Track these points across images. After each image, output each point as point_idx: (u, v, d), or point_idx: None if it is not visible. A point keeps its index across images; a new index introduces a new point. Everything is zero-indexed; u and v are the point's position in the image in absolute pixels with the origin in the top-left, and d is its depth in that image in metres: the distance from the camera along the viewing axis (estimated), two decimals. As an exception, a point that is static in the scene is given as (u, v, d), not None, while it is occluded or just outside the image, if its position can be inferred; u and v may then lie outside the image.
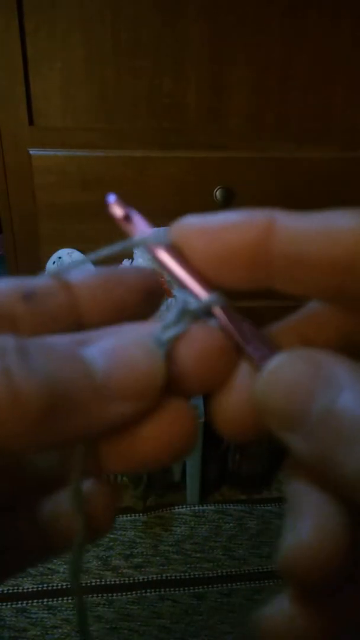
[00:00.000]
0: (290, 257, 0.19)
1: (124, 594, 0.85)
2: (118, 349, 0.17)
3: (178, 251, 0.20)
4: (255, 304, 1.17)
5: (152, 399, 0.17)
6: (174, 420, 0.18)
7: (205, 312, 0.19)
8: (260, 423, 0.18)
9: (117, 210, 0.23)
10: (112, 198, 0.23)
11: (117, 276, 0.21)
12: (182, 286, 0.20)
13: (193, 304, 0.20)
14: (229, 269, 0.19)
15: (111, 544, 0.92)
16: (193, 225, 0.20)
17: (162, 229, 0.21)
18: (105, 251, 0.21)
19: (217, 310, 0.19)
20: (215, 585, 0.86)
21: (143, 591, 0.85)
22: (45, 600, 0.85)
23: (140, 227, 0.23)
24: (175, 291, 0.22)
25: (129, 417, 0.17)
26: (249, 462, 1.07)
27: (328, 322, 0.20)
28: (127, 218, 0.23)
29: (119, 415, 0.17)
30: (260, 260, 0.19)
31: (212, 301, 0.19)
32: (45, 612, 0.83)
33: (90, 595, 0.84)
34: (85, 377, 0.16)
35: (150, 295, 0.21)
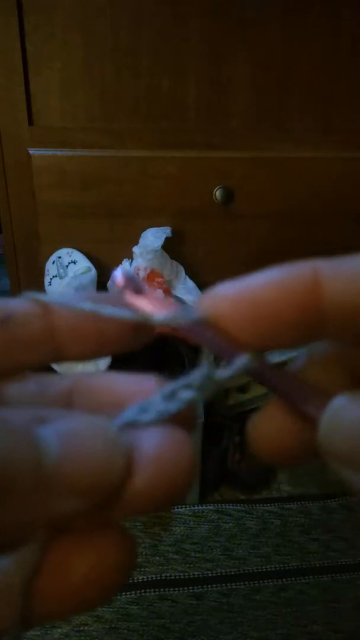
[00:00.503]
0: (344, 309, 0.17)
1: (123, 593, 0.85)
2: (75, 435, 0.15)
3: (210, 324, 0.18)
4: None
5: (103, 497, 0.15)
6: (106, 550, 0.15)
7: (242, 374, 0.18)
8: (303, 451, 0.18)
9: (126, 287, 0.20)
10: (119, 276, 0.19)
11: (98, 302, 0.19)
12: (220, 355, 0.18)
13: (220, 372, 0.18)
14: (274, 335, 0.18)
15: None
16: (228, 295, 0.19)
17: (187, 305, 0.20)
18: (120, 314, 0.18)
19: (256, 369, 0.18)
20: (214, 585, 0.86)
21: (142, 591, 0.85)
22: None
23: (158, 303, 0.19)
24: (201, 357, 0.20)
25: (74, 514, 0.15)
26: (248, 462, 1.07)
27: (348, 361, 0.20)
28: (137, 292, 0.19)
29: (63, 512, 0.15)
30: (310, 318, 0.18)
31: (247, 362, 0.18)
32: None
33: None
34: (35, 462, 0.14)
35: (137, 329, 0.19)
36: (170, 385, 0.17)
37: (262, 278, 0.19)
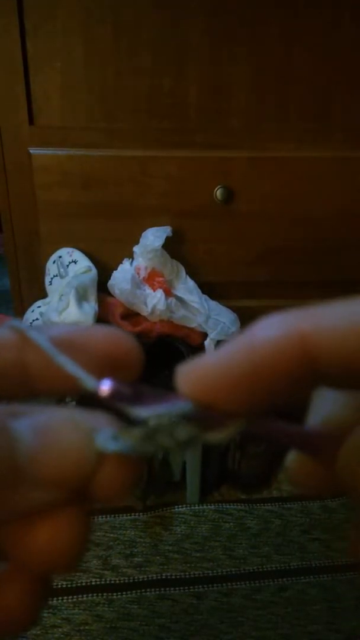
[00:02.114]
0: (337, 364, 0.17)
1: (123, 593, 0.85)
2: (49, 428, 0.15)
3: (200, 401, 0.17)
4: (256, 303, 1.17)
5: (75, 490, 0.16)
6: (61, 530, 0.16)
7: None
8: (335, 484, 0.19)
9: (114, 397, 0.17)
10: (105, 386, 0.17)
11: (77, 340, 0.18)
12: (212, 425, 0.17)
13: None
14: (267, 397, 0.17)
15: (111, 543, 0.92)
16: (209, 370, 0.17)
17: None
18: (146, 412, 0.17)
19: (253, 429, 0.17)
20: (215, 585, 0.86)
21: (143, 590, 0.85)
22: (45, 599, 0.85)
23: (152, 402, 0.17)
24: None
25: (46, 505, 0.16)
26: (249, 462, 1.07)
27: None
28: (131, 398, 0.18)
29: (36, 503, 0.15)
30: (303, 374, 0.17)
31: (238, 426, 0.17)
32: (46, 611, 0.83)
33: (90, 595, 0.84)
34: (8, 453, 0.14)
35: (116, 366, 0.18)
36: (153, 427, 0.16)
37: (239, 347, 0.17)
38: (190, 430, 0.17)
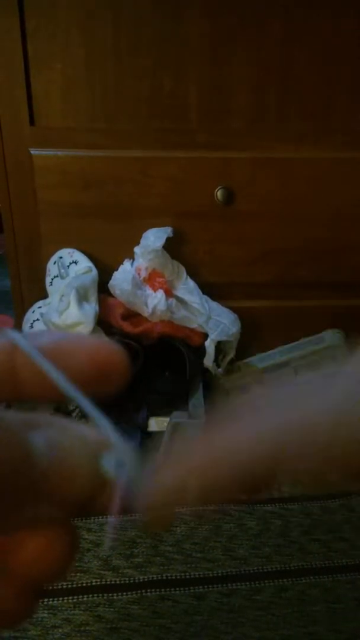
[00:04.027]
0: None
1: (124, 593, 0.85)
2: (62, 445, 0.16)
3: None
4: (256, 304, 1.17)
5: (79, 507, 0.16)
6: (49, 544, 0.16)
7: None
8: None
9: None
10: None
11: (66, 348, 0.19)
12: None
13: None
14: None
15: (111, 544, 0.92)
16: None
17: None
18: None
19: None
20: (215, 586, 0.86)
21: (143, 591, 0.85)
22: (45, 599, 0.85)
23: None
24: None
25: (47, 520, 0.16)
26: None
27: None
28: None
29: (42, 516, 0.16)
30: None
31: None
32: (46, 611, 0.83)
33: (90, 595, 0.84)
34: (27, 467, 0.15)
35: (103, 375, 0.18)
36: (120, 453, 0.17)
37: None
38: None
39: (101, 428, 0.17)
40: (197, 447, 0.19)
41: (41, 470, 0.15)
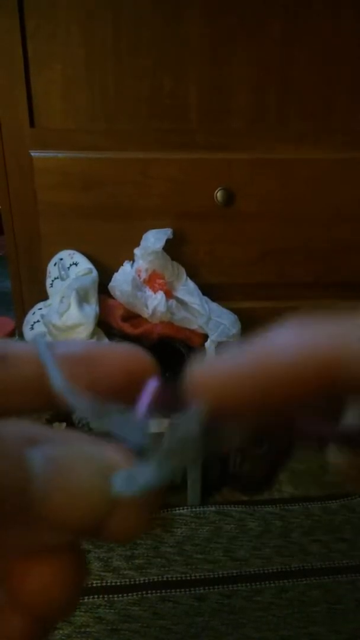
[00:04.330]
0: None
1: (124, 595, 0.85)
2: (65, 463, 0.15)
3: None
4: (256, 305, 1.17)
5: (85, 532, 0.15)
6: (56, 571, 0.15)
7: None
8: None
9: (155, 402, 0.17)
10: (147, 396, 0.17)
11: (94, 355, 0.18)
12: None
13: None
14: (281, 406, 0.16)
15: (112, 545, 0.92)
16: (224, 377, 0.16)
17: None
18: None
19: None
20: (216, 587, 0.86)
21: (144, 592, 0.85)
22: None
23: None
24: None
25: (49, 546, 0.15)
26: (250, 464, 1.07)
27: None
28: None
29: (39, 542, 0.15)
30: (322, 390, 0.16)
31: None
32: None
33: (91, 597, 0.84)
34: (22, 487, 0.13)
35: (134, 382, 0.18)
36: (163, 455, 0.16)
37: (261, 359, 0.16)
38: (201, 445, 0.16)
39: (116, 441, 0.16)
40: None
41: (40, 490, 0.14)
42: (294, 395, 0.16)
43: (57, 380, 0.17)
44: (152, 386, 0.16)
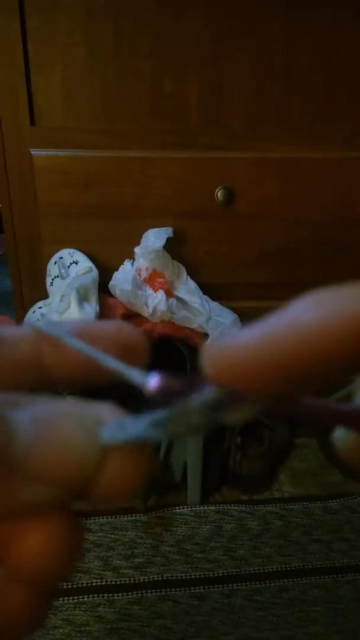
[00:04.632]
0: None
1: (124, 594, 0.85)
2: (51, 420, 0.15)
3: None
4: (256, 304, 1.17)
5: (74, 488, 0.15)
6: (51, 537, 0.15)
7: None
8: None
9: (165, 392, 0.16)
10: (154, 381, 0.16)
11: (88, 331, 0.19)
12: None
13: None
14: (306, 381, 0.15)
15: (112, 544, 0.92)
16: (243, 353, 0.15)
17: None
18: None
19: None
20: (216, 586, 0.86)
21: (144, 591, 0.85)
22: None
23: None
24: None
25: (41, 505, 0.15)
26: (250, 463, 1.07)
27: None
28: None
29: (31, 500, 0.14)
30: (354, 360, 0.15)
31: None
32: (46, 612, 0.83)
33: (90, 596, 0.84)
34: (4, 444, 0.14)
35: (127, 354, 0.19)
36: (162, 414, 0.15)
37: (286, 330, 0.15)
38: (206, 416, 0.15)
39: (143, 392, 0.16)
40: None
41: (24, 447, 0.14)
42: (322, 368, 0.15)
43: (107, 358, 0.17)
44: (155, 378, 0.16)
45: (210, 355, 0.15)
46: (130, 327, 0.20)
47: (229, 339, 0.15)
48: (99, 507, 0.89)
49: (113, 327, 0.19)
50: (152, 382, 0.16)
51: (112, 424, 0.15)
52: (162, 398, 0.16)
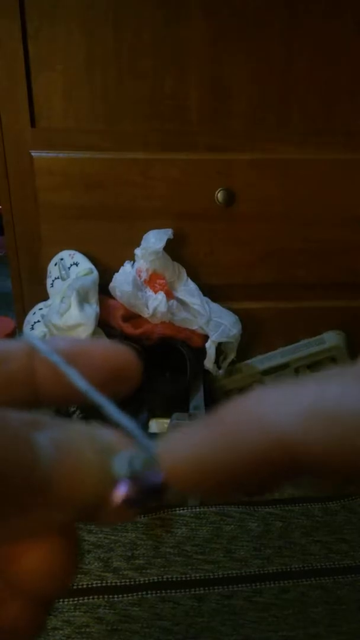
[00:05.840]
0: (319, 462, 0.15)
1: (124, 595, 0.85)
2: (71, 444, 0.15)
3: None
4: (257, 305, 1.17)
5: (87, 511, 0.15)
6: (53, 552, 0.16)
7: None
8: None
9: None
10: (121, 492, 0.17)
11: (79, 350, 0.19)
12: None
13: None
14: (238, 486, 0.17)
15: (112, 545, 0.92)
16: (185, 458, 0.16)
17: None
18: None
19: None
20: (216, 587, 0.86)
21: (144, 593, 0.85)
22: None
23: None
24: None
25: (52, 526, 0.15)
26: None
27: None
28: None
29: (42, 520, 0.15)
30: (281, 472, 0.16)
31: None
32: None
33: (91, 597, 0.84)
34: (30, 467, 0.14)
35: (118, 377, 0.19)
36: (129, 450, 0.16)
37: (220, 444, 0.16)
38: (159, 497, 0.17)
39: (122, 426, 0.17)
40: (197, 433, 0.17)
41: (47, 470, 0.14)
42: (253, 477, 0.16)
43: (70, 372, 0.18)
44: (123, 489, 0.16)
45: (163, 451, 0.16)
46: (123, 349, 0.20)
47: (177, 440, 0.16)
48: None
49: (106, 348, 0.20)
50: (120, 491, 0.16)
51: (123, 456, 0.16)
52: (128, 506, 0.16)
